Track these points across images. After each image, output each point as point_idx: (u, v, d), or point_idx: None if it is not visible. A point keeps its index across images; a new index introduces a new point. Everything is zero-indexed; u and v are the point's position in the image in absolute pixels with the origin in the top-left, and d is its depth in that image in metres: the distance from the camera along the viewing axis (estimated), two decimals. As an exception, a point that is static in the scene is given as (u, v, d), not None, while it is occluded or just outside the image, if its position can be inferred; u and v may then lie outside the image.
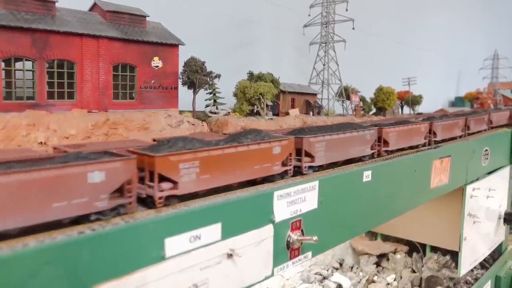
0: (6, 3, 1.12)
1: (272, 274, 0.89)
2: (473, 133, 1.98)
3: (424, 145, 1.55)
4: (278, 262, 0.89)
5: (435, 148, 1.55)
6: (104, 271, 0.60)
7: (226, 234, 0.77)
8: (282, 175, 0.94)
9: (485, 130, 2.16)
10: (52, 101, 1.19)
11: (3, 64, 1.10)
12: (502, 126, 2.40)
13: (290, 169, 0.95)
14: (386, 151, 1.31)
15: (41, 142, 1.03)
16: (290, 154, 0.94)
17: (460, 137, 1.86)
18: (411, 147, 1.47)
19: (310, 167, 1.01)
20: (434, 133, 1.61)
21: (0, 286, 0.50)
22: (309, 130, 1.11)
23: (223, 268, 0.77)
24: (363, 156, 1.22)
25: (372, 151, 1.25)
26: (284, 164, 0.93)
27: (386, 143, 1.30)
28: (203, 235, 0.73)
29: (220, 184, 0.80)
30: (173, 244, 0.68)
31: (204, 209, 0.74)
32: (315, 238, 0.92)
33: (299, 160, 0.99)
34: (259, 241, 0.84)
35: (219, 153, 0.79)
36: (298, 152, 0.99)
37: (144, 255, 0.65)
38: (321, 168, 1.06)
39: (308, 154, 1.00)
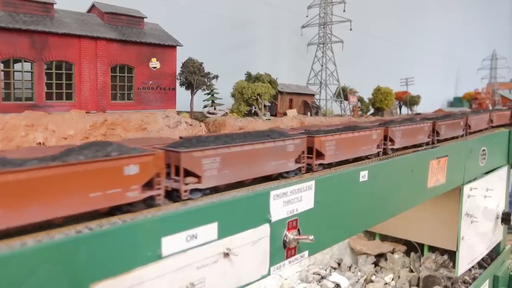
0: (5, 5, 1.13)
1: (269, 273, 0.90)
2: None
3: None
4: (274, 261, 0.90)
5: (432, 148, 1.56)
6: (102, 270, 0.61)
7: (223, 233, 0.78)
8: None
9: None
10: (51, 102, 1.19)
11: (2, 65, 1.11)
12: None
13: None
14: (392, 149, 1.37)
15: (40, 143, 1.04)
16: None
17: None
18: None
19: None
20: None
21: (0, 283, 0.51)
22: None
23: (219, 267, 0.78)
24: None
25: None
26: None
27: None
28: (199, 235, 0.74)
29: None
30: (169, 243, 0.69)
31: (201, 208, 0.75)
32: (311, 237, 0.92)
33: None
34: (255, 241, 0.85)
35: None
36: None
37: (141, 254, 0.66)
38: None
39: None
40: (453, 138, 1.80)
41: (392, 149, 1.36)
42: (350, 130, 1.19)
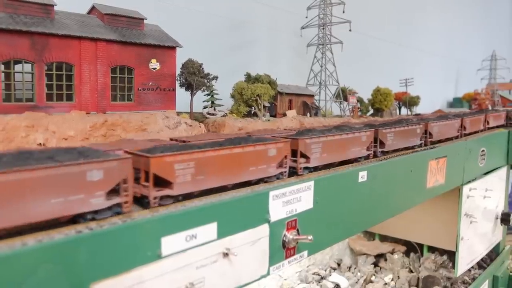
0: (5, 7, 1.14)
1: (268, 273, 0.90)
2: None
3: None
4: (274, 261, 0.91)
5: (430, 148, 1.57)
6: (102, 270, 0.61)
7: (222, 233, 0.78)
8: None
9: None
10: (51, 103, 1.20)
11: (2, 66, 1.11)
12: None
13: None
14: (382, 151, 1.34)
15: (40, 143, 1.05)
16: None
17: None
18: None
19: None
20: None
21: (0, 283, 0.51)
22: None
23: (219, 267, 0.79)
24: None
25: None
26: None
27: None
28: (199, 234, 0.74)
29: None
30: (169, 243, 0.69)
31: (200, 208, 0.75)
32: (310, 237, 0.93)
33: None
34: (254, 240, 0.85)
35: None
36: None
37: (141, 254, 0.66)
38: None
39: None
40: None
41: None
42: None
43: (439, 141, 1.70)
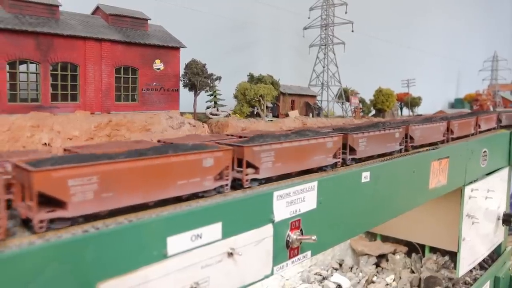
0: (11, 7, 1.14)
1: (272, 273, 0.90)
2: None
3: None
4: (277, 261, 0.91)
5: (433, 149, 1.57)
6: (108, 269, 0.62)
7: (227, 233, 0.78)
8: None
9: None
10: (56, 103, 1.21)
11: (8, 67, 1.12)
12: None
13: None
14: (353, 159, 1.21)
15: (45, 143, 1.05)
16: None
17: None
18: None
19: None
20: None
21: (9, 282, 0.52)
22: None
23: (223, 266, 0.79)
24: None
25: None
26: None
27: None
28: (204, 234, 0.74)
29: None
30: (175, 242, 0.70)
31: (205, 208, 0.76)
32: (314, 237, 0.93)
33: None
34: (259, 240, 0.86)
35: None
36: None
37: (147, 253, 0.66)
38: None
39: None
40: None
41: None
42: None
43: (422, 146, 1.55)
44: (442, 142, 1.70)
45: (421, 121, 1.66)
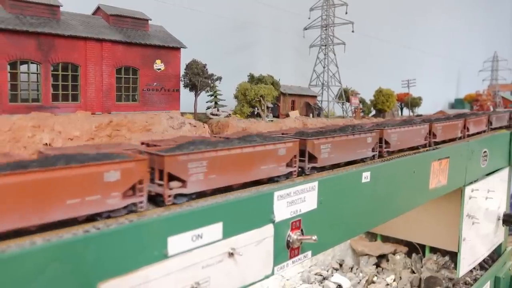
0: (12, 8, 1.14)
1: (273, 273, 0.91)
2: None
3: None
4: (278, 261, 0.91)
5: (433, 149, 1.57)
6: (109, 269, 0.62)
7: (227, 233, 0.78)
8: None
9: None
10: (57, 103, 1.21)
11: (9, 67, 1.12)
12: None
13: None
14: (313, 167, 1.06)
15: (46, 144, 1.06)
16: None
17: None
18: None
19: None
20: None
21: (10, 282, 0.52)
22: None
23: (224, 266, 0.79)
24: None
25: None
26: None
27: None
28: (205, 234, 0.75)
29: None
30: (175, 242, 0.70)
31: (206, 208, 0.76)
32: (314, 237, 0.93)
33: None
34: (259, 241, 0.86)
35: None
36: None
37: (148, 253, 0.66)
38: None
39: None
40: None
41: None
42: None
43: (401, 151, 1.43)
44: (424, 146, 1.57)
45: (398, 124, 1.51)
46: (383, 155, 1.33)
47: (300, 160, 1.01)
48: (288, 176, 0.98)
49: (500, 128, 2.33)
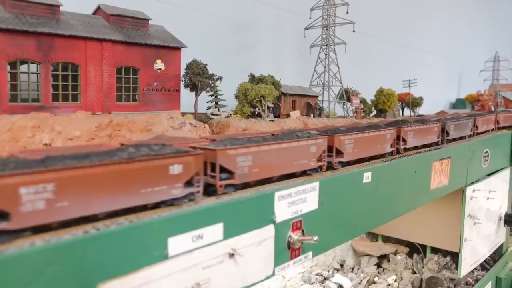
0: (12, 7, 1.14)
1: (273, 274, 0.90)
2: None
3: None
4: (279, 261, 0.91)
5: (434, 149, 1.56)
6: (109, 270, 0.61)
7: (228, 234, 0.78)
8: None
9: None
10: (57, 103, 1.21)
11: (8, 67, 1.12)
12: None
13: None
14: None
15: (46, 144, 1.05)
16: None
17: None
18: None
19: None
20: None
21: (9, 283, 0.52)
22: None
23: (225, 267, 0.79)
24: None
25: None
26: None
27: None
28: (205, 235, 0.74)
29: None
30: (176, 243, 0.70)
31: (207, 209, 0.75)
32: (315, 238, 0.93)
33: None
34: (260, 241, 0.85)
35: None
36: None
37: (148, 254, 0.66)
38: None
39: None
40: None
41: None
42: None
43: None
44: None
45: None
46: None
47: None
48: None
49: (486, 132, 2.29)
